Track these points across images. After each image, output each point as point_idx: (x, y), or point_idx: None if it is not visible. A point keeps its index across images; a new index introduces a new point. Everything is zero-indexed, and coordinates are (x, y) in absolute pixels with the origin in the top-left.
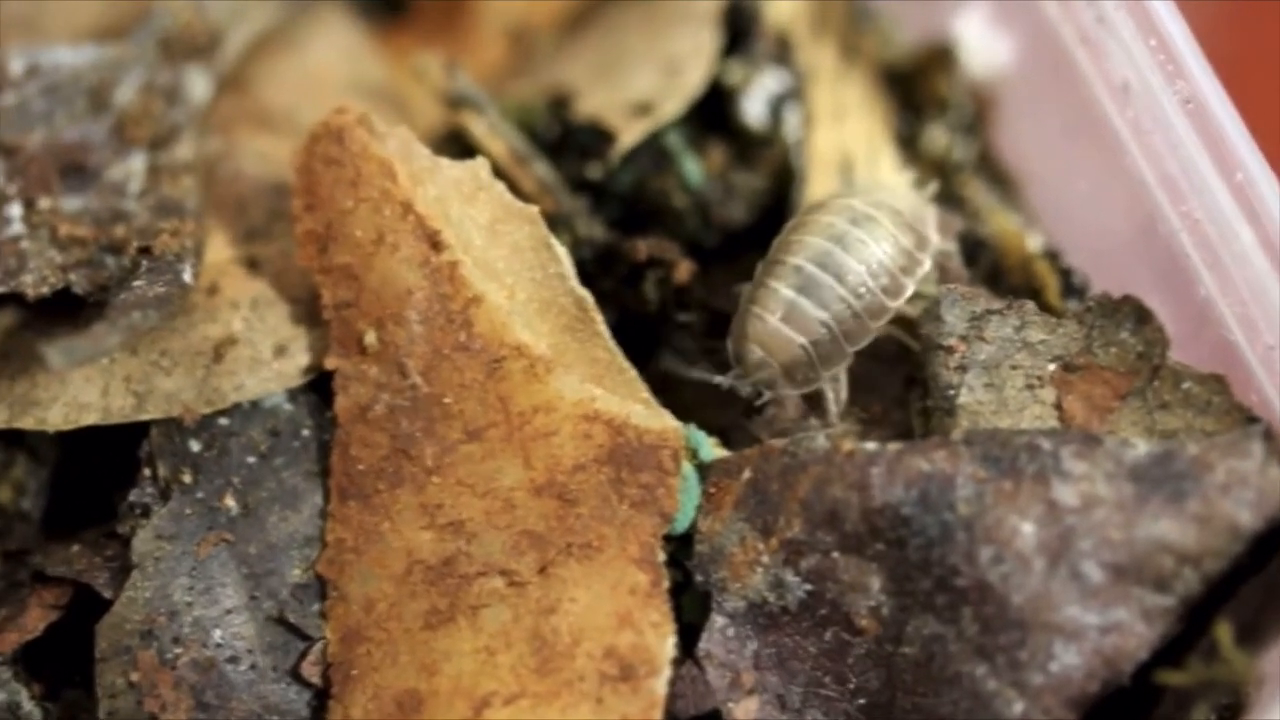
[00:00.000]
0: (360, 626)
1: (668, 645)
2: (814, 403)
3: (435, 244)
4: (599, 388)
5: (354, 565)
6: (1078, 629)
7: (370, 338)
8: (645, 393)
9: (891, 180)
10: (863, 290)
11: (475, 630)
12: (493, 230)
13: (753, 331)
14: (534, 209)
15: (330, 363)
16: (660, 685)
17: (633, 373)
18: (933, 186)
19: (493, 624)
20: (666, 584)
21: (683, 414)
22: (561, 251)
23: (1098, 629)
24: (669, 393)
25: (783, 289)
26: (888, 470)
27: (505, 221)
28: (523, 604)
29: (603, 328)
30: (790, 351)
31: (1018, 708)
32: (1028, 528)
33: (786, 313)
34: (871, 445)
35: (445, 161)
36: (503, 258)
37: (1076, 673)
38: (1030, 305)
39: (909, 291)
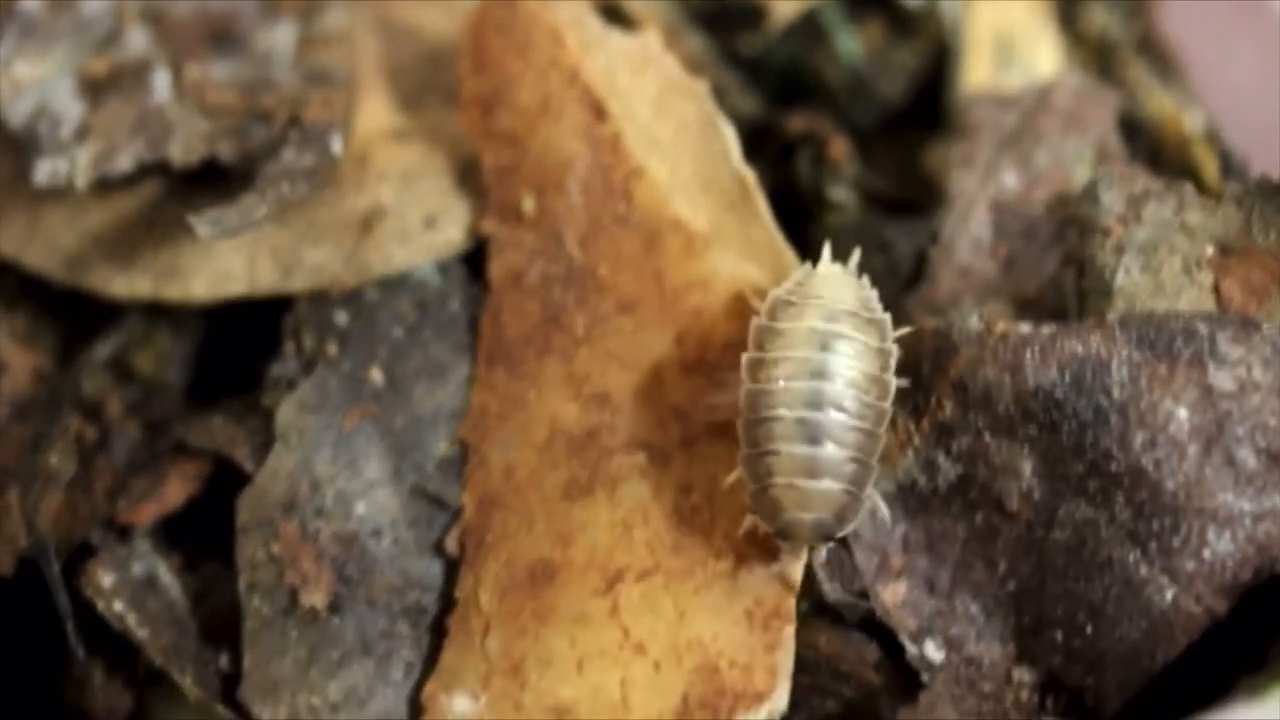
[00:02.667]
0: (498, 493)
1: None
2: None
3: (599, 113)
4: (756, 268)
5: (497, 432)
6: (1231, 516)
7: (529, 204)
8: None
9: (843, 273)
10: (865, 411)
11: (613, 503)
12: (659, 104)
13: (789, 503)
14: (702, 85)
15: (487, 227)
16: (797, 570)
17: (790, 255)
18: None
19: (631, 498)
20: None
21: None
22: (727, 129)
23: (1251, 516)
24: None
25: (798, 450)
26: (1041, 352)
27: (672, 96)
28: (663, 480)
29: (763, 208)
30: (837, 502)
31: (1169, 594)
32: (1182, 413)
33: (812, 470)
34: (1025, 327)
35: (616, 33)
36: (667, 132)
37: (1229, 560)
38: (1189, 187)
39: (894, 388)
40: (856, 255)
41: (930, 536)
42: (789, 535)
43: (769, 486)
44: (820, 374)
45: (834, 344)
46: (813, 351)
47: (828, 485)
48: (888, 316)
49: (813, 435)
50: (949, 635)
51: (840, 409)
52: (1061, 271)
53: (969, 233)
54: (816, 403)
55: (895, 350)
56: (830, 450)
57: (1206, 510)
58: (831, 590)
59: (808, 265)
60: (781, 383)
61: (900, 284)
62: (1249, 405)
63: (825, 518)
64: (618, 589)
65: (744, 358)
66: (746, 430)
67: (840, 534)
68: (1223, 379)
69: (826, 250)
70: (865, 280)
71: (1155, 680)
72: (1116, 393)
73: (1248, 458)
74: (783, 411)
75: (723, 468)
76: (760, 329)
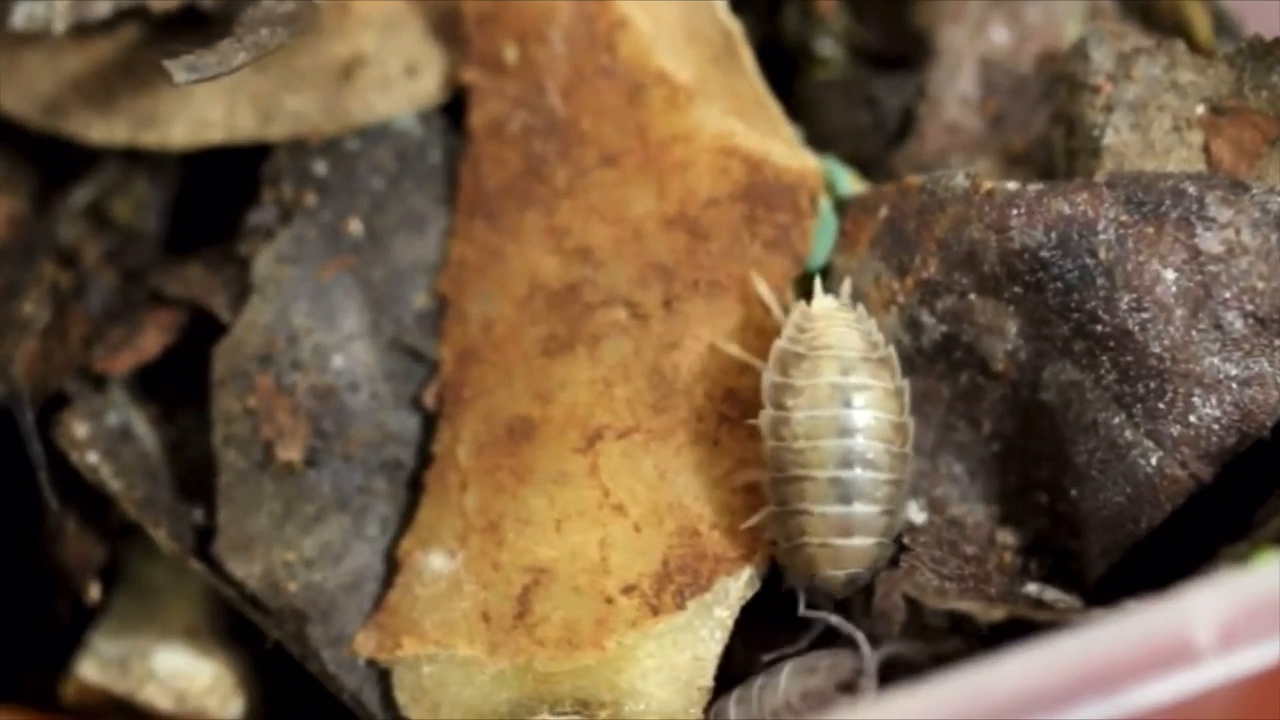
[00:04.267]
0: (476, 348)
1: None
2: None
3: None
4: (740, 122)
5: (475, 284)
6: (1217, 380)
7: (511, 54)
8: (787, 130)
9: (841, 310)
10: (893, 464)
11: (594, 361)
12: None
13: (824, 561)
14: None
15: (467, 76)
16: None
17: (775, 109)
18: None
19: (612, 355)
20: None
21: (823, 145)
22: None
23: (1238, 380)
24: (810, 123)
25: (831, 510)
26: (1028, 211)
27: None
28: (644, 338)
29: (749, 61)
30: (870, 556)
31: (1154, 459)
32: (1169, 275)
33: (845, 529)
34: (1012, 185)
35: None
36: None
37: (1215, 425)
38: (1180, 45)
39: (912, 430)
40: (848, 286)
41: (914, 397)
42: (821, 590)
43: (802, 545)
44: (847, 432)
45: (855, 398)
46: (836, 409)
47: (860, 541)
48: (892, 349)
49: (845, 494)
50: (932, 496)
51: (869, 465)
52: (1050, 129)
53: (957, 89)
54: (846, 461)
55: (907, 387)
56: (862, 508)
57: (1192, 374)
58: None
59: (802, 305)
60: (807, 443)
61: (887, 140)
62: (1236, 269)
63: (859, 571)
64: (597, 448)
65: (763, 415)
66: (775, 488)
67: (868, 581)
68: (1210, 241)
69: (818, 285)
70: (861, 309)
71: (1139, 546)
72: (1103, 254)
73: (1234, 321)
74: (814, 472)
75: (705, 327)
76: (776, 385)
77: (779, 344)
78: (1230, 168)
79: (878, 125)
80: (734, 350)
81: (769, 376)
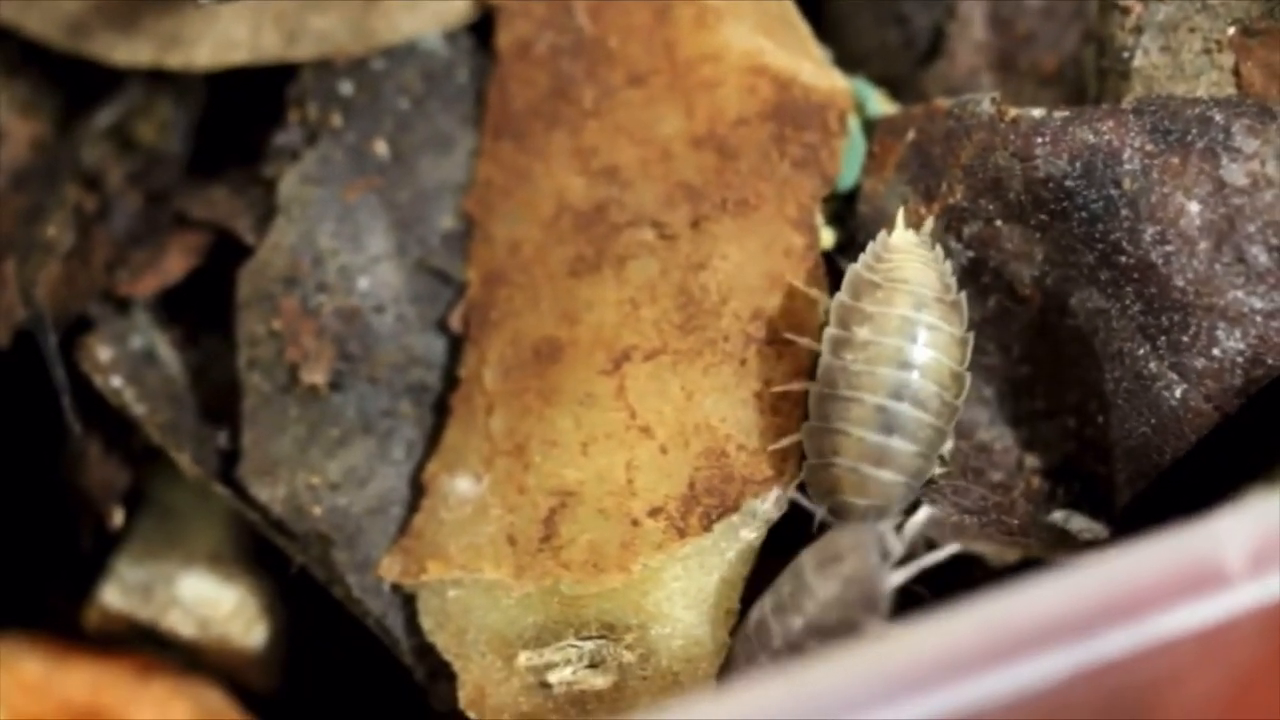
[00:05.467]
0: (503, 269)
1: (818, 310)
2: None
3: None
4: (769, 41)
5: (502, 205)
6: (1241, 313)
7: None
8: (816, 50)
9: (920, 247)
10: (942, 410)
11: (621, 281)
12: None
13: (848, 487)
14: None
15: None
16: (807, 349)
17: (805, 30)
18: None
19: (639, 276)
20: (821, 247)
21: (852, 65)
22: None
23: (1262, 314)
24: (839, 43)
25: (870, 436)
26: (1052, 140)
27: None
28: (672, 258)
29: None
30: (894, 493)
31: (1178, 391)
32: (1193, 207)
33: (879, 459)
34: (1037, 112)
35: None
36: None
37: (1239, 358)
38: None
39: (968, 384)
40: (930, 224)
41: None
42: (837, 514)
43: (831, 465)
44: (907, 365)
45: (923, 335)
46: (902, 341)
47: (890, 476)
48: (963, 295)
49: (888, 425)
50: (960, 421)
51: (920, 404)
52: (1081, 48)
53: (987, 8)
54: (898, 393)
55: (971, 340)
56: (900, 443)
57: (1216, 308)
58: None
59: (883, 235)
60: (865, 366)
61: (917, 59)
62: (1261, 201)
63: (879, 504)
64: (624, 369)
65: (827, 333)
66: (819, 403)
67: (887, 519)
68: (1235, 174)
69: (900, 218)
70: (939, 251)
71: (1164, 476)
72: (1127, 184)
73: (1258, 255)
74: (863, 395)
75: (733, 246)
76: (845, 307)
77: (854, 269)
78: (1261, 91)
79: (907, 44)
80: (797, 283)
81: (839, 298)
